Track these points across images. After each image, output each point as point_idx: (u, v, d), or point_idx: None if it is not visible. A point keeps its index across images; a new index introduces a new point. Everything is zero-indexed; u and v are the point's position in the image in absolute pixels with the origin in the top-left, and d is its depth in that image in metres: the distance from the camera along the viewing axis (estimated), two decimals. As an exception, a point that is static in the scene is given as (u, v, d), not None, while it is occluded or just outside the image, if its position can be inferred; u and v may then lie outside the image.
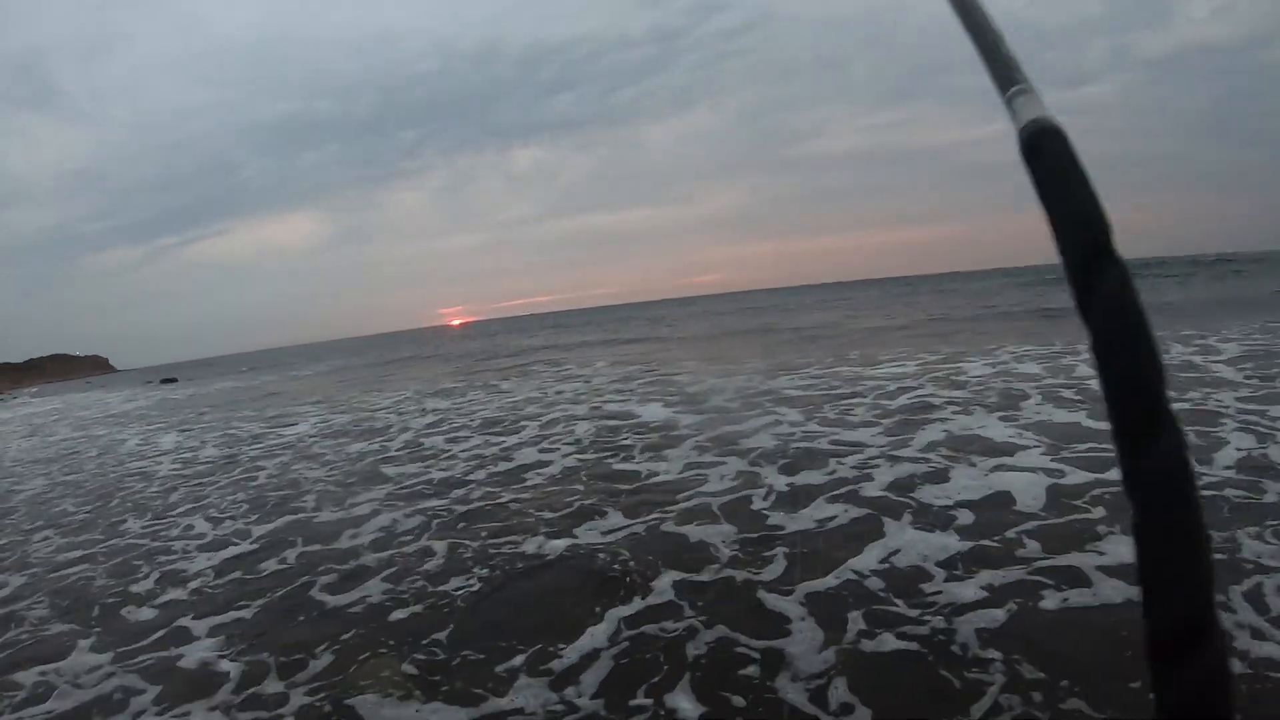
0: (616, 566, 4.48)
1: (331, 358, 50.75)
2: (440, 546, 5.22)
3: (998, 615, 3.39)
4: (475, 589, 4.40)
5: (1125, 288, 0.43)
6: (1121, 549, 3.82)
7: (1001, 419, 7.03)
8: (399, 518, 6.07)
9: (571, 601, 4.07)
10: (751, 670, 3.18)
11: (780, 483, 5.76)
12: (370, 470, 8.29)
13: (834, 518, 4.87)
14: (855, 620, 3.50)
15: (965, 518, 4.60)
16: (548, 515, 5.68)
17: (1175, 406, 0.39)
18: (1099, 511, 4.40)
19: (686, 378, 13.48)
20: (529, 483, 6.74)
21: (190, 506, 7.65)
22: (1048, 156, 0.48)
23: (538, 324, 71.26)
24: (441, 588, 4.46)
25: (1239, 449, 5.34)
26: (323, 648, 3.85)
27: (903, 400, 8.66)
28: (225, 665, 3.82)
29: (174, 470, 10.14)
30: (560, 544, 4.97)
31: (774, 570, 4.16)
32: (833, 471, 5.89)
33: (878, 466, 5.86)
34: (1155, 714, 0.36)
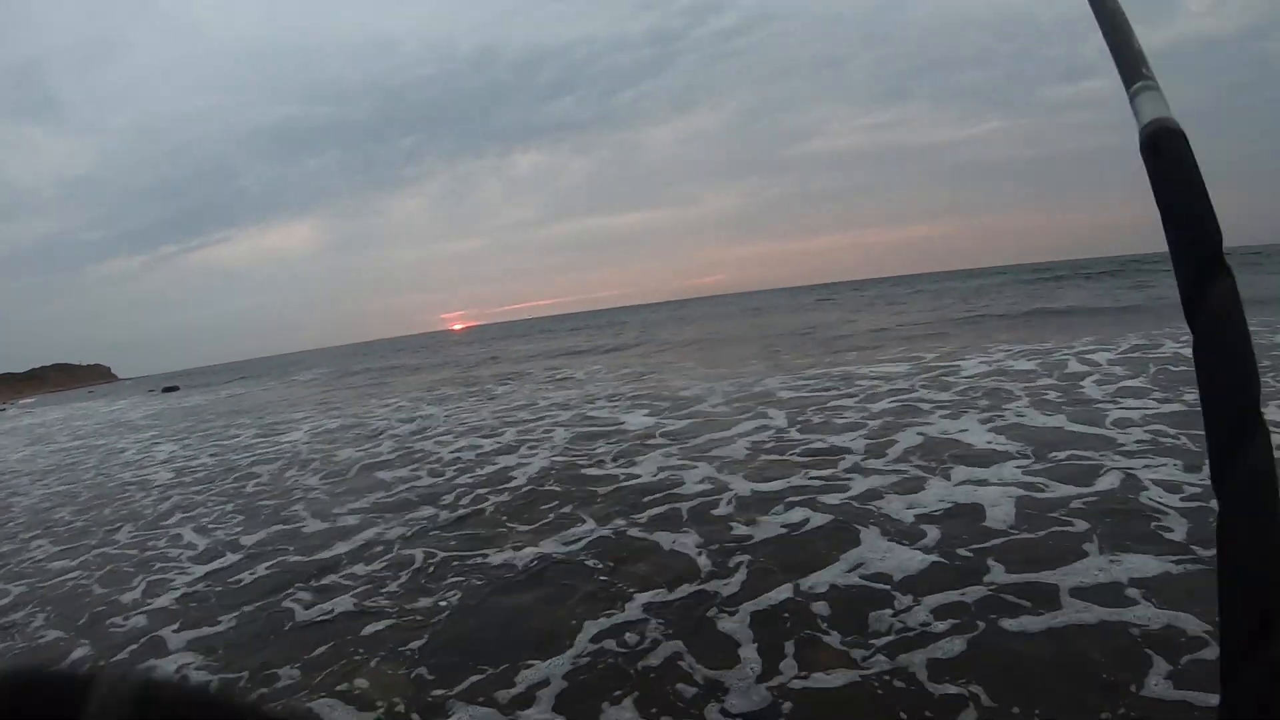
0: (577, 580, 4.51)
1: (332, 364, 50.90)
2: (418, 557, 5.25)
3: (956, 643, 3.23)
4: (446, 602, 4.42)
5: (1232, 298, 0.44)
6: (1093, 568, 3.72)
7: (984, 423, 7.02)
8: (381, 530, 6.09)
9: (532, 616, 4.08)
10: (691, 702, 3.07)
11: (746, 490, 5.79)
12: (358, 478, 8.35)
13: (796, 531, 4.80)
14: (802, 645, 3.38)
15: (931, 533, 4.47)
16: (520, 527, 5.71)
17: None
18: (1072, 527, 4.29)
19: (681, 381, 13.54)
20: (508, 490, 6.77)
21: (182, 516, 7.72)
22: (1167, 158, 0.48)
23: (539, 328, 71.31)
24: (412, 605, 4.45)
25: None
26: (291, 661, 3.89)
27: (889, 404, 8.67)
28: (195, 676, 3.87)
29: (169, 479, 10.20)
30: (529, 554, 5.02)
31: (730, 587, 4.08)
32: (805, 480, 5.88)
33: (851, 477, 5.82)
34: (1220, 709, 0.37)
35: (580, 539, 5.19)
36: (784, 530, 4.82)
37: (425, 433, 11.15)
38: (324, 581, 5.03)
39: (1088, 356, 10.48)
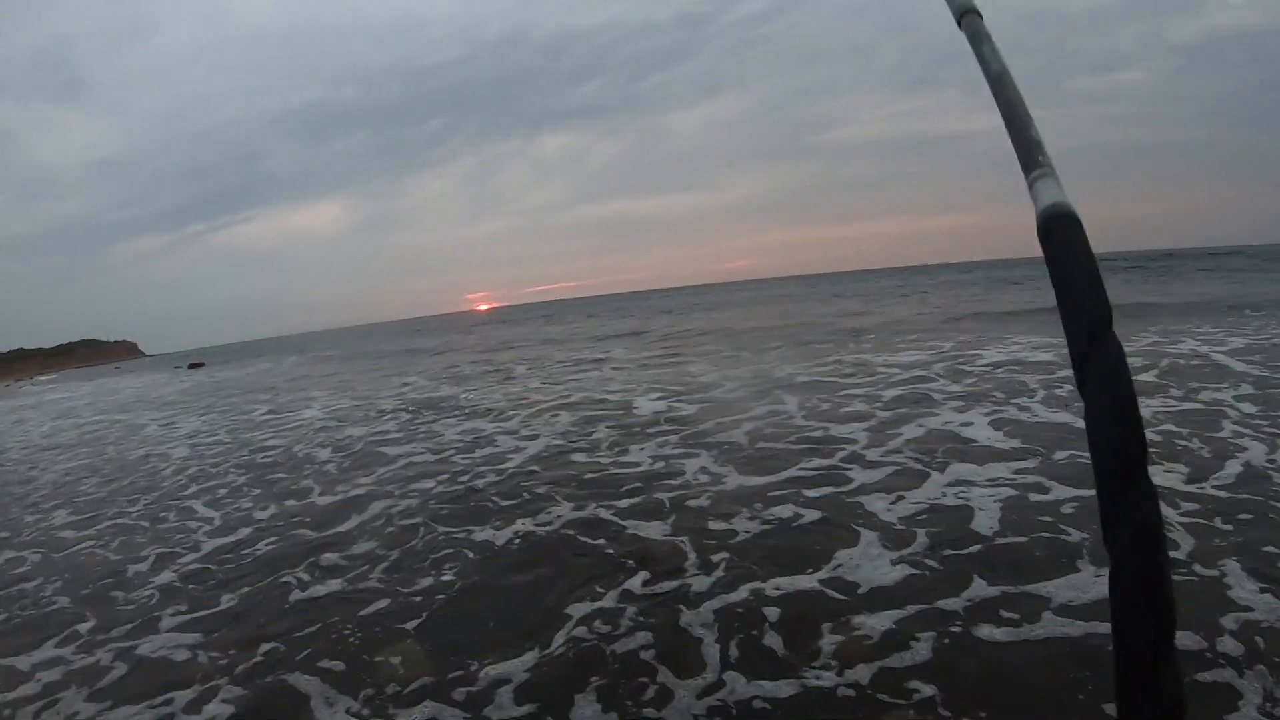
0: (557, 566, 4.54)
1: (355, 343, 51.46)
2: (408, 536, 5.34)
3: (919, 654, 3.11)
4: (448, 582, 4.48)
5: (1118, 366, 0.48)
6: (1082, 580, 3.55)
7: (991, 417, 6.91)
8: (385, 507, 6.19)
9: (506, 602, 4.13)
10: (638, 706, 3.01)
11: (737, 482, 5.76)
12: (364, 455, 8.49)
13: (777, 528, 4.70)
14: (757, 651, 3.28)
15: (915, 537, 4.32)
16: (508, 504, 5.84)
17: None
18: (1065, 536, 4.08)
19: (698, 366, 13.54)
20: (508, 471, 6.84)
21: (196, 489, 7.94)
22: (1060, 241, 0.53)
23: (563, 310, 71.39)
24: (406, 589, 4.52)
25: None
26: (275, 639, 3.98)
27: (900, 393, 8.61)
28: (183, 653, 3.97)
29: (186, 454, 10.46)
30: (512, 530, 5.07)
31: (699, 584, 4.01)
32: (799, 472, 5.83)
33: (848, 469, 5.76)
34: None
35: (555, 523, 5.27)
36: (765, 528, 4.73)
37: (437, 411, 11.27)
38: (321, 560, 5.12)
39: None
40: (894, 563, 3.99)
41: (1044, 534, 4.14)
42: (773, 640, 3.35)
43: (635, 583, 4.12)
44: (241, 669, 3.68)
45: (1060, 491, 4.74)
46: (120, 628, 4.38)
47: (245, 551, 5.53)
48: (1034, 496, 4.74)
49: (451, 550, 4.98)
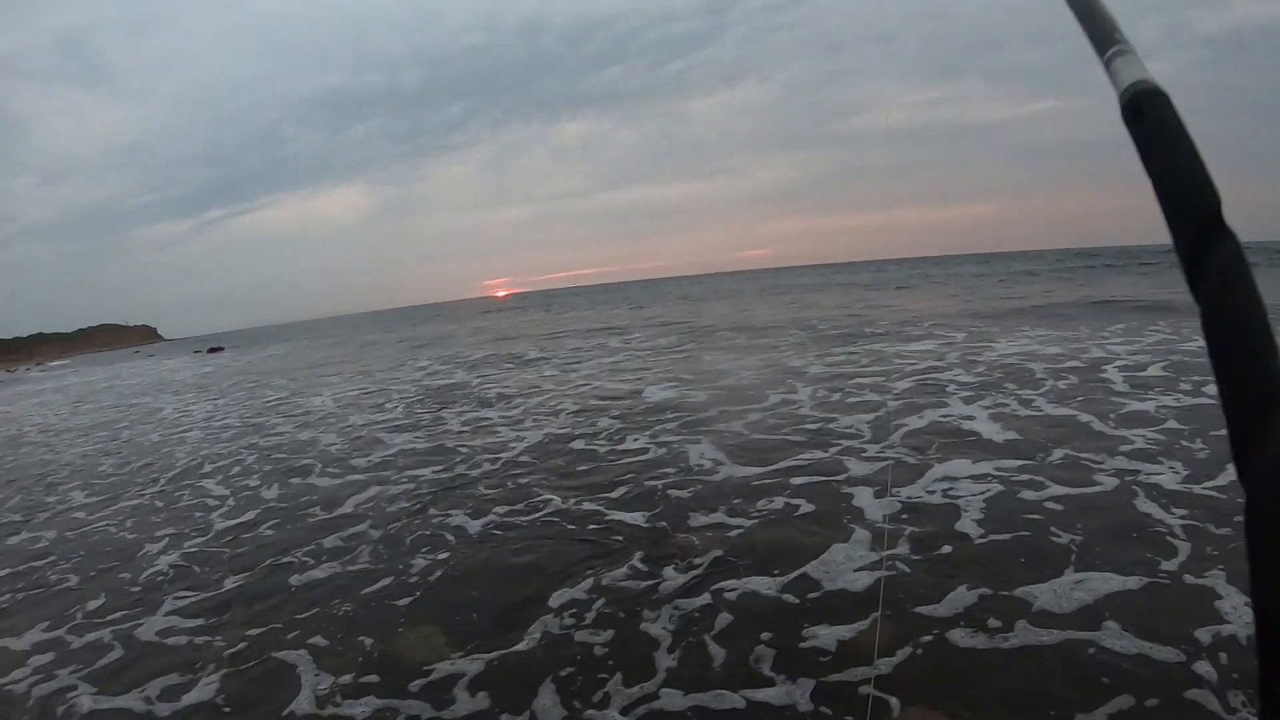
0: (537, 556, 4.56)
1: (373, 328, 51.84)
2: (399, 524, 5.39)
3: (886, 662, 2.99)
4: (434, 566, 4.53)
5: (1238, 263, 0.40)
6: (1065, 584, 3.43)
7: (996, 412, 6.82)
8: (383, 492, 6.29)
9: (478, 593, 4.15)
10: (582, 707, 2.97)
11: (734, 473, 5.76)
12: (370, 442, 8.59)
13: (764, 523, 4.66)
14: (710, 663, 3.16)
15: (899, 535, 4.21)
16: (498, 492, 5.90)
17: None
18: (1055, 537, 4.00)
19: (713, 355, 13.55)
20: (505, 460, 6.88)
21: (209, 470, 8.15)
22: (1151, 121, 0.46)
23: (582, 297, 71.43)
24: (396, 575, 4.59)
25: None
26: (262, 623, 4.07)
27: (908, 384, 8.57)
28: (180, 638, 4.07)
29: (200, 438, 10.66)
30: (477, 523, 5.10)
31: (671, 581, 3.96)
32: (798, 463, 5.81)
33: (845, 461, 5.72)
34: (1260, 707, 0.35)
35: (540, 511, 5.30)
36: (752, 523, 4.70)
37: (446, 398, 11.37)
38: (321, 544, 5.21)
39: (1114, 346, 10.11)
40: (867, 566, 3.89)
41: (1028, 534, 4.07)
42: (723, 647, 3.26)
43: (610, 576, 4.10)
44: (232, 650, 3.78)
45: (1053, 490, 4.67)
46: (123, 610, 4.50)
47: (246, 535, 5.65)
48: (1025, 495, 4.66)
49: (440, 537, 5.04)
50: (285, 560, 4.97)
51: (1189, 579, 3.39)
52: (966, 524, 4.28)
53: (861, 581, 3.72)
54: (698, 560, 4.18)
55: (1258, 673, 0.34)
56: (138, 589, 4.81)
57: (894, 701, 2.73)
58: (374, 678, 3.35)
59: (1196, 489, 4.45)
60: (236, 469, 8.03)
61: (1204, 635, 2.91)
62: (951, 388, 8.14)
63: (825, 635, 3.25)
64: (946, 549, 4.00)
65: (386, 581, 4.39)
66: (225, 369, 26.66)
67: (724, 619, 3.51)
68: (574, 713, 2.93)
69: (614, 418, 8.33)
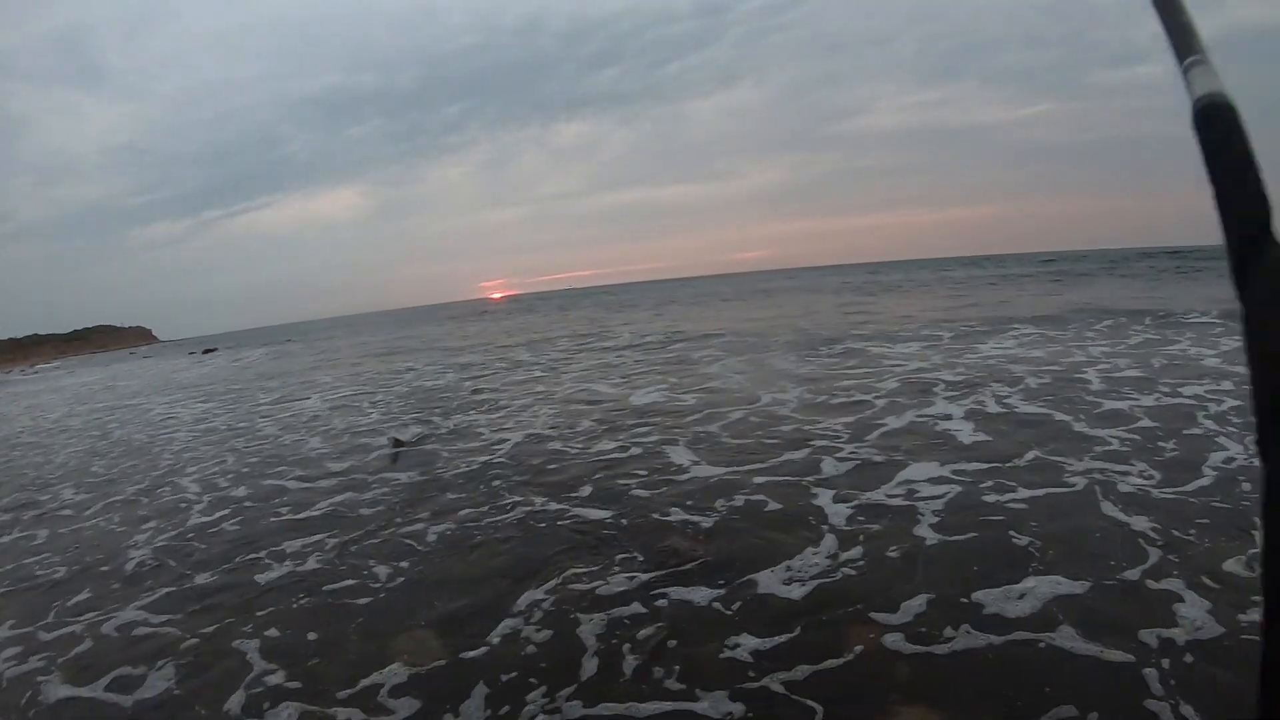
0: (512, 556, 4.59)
1: (369, 329, 51.81)
2: (364, 522, 5.42)
3: (817, 664, 2.99)
4: (391, 571, 4.56)
5: None
6: (1019, 590, 3.41)
7: (972, 412, 6.87)
8: (352, 498, 6.31)
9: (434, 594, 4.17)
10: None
11: (705, 474, 5.79)
12: (351, 443, 8.64)
13: (726, 523, 4.69)
14: (645, 671, 3.11)
15: (857, 538, 4.20)
16: (462, 496, 5.94)
17: None
18: (1014, 539, 3.99)
19: (702, 354, 13.70)
20: (484, 461, 6.90)
21: (190, 471, 8.18)
22: (1219, 132, 0.48)
23: (578, 298, 71.43)
24: (354, 578, 4.64)
25: None
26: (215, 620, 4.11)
27: (893, 384, 8.66)
28: (146, 628, 4.15)
29: (188, 439, 10.69)
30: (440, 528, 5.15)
31: (616, 583, 3.97)
32: (771, 463, 5.85)
33: (819, 461, 5.76)
34: (1260, 701, 0.35)
35: (507, 514, 5.29)
36: (713, 521, 4.74)
37: (432, 400, 11.43)
38: (284, 546, 5.25)
39: (1098, 349, 10.15)
40: (829, 568, 3.87)
41: (993, 538, 4.05)
42: (660, 654, 3.23)
43: (559, 580, 4.10)
44: (187, 644, 3.89)
45: (1021, 494, 4.67)
46: (99, 604, 4.60)
47: (215, 532, 5.72)
48: (989, 498, 4.66)
49: (403, 542, 5.04)
50: (251, 558, 5.04)
51: (1152, 583, 3.39)
52: (927, 526, 4.29)
53: (797, 592, 3.67)
54: (650, 561, 4.20)
55: (1260, 654, 0.35)
56: (117, 585, 4.89)
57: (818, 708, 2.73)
58: (297, 684, 3.35)
59: (1165, 494, 4.44)
60: (216, 469, 8.08)
61: (1149, 638, 2.92)
62: (933, 389, 8.17)
63: (749, 643, 3.22)
64: (903, 548, 4.02)
65: (350, 583, 4.42)
66: (218, 371, 26.63)
67: (657, 626, 3.47)
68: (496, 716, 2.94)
69: (596, 421, 8.34)
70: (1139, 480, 4.72)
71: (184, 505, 6.68)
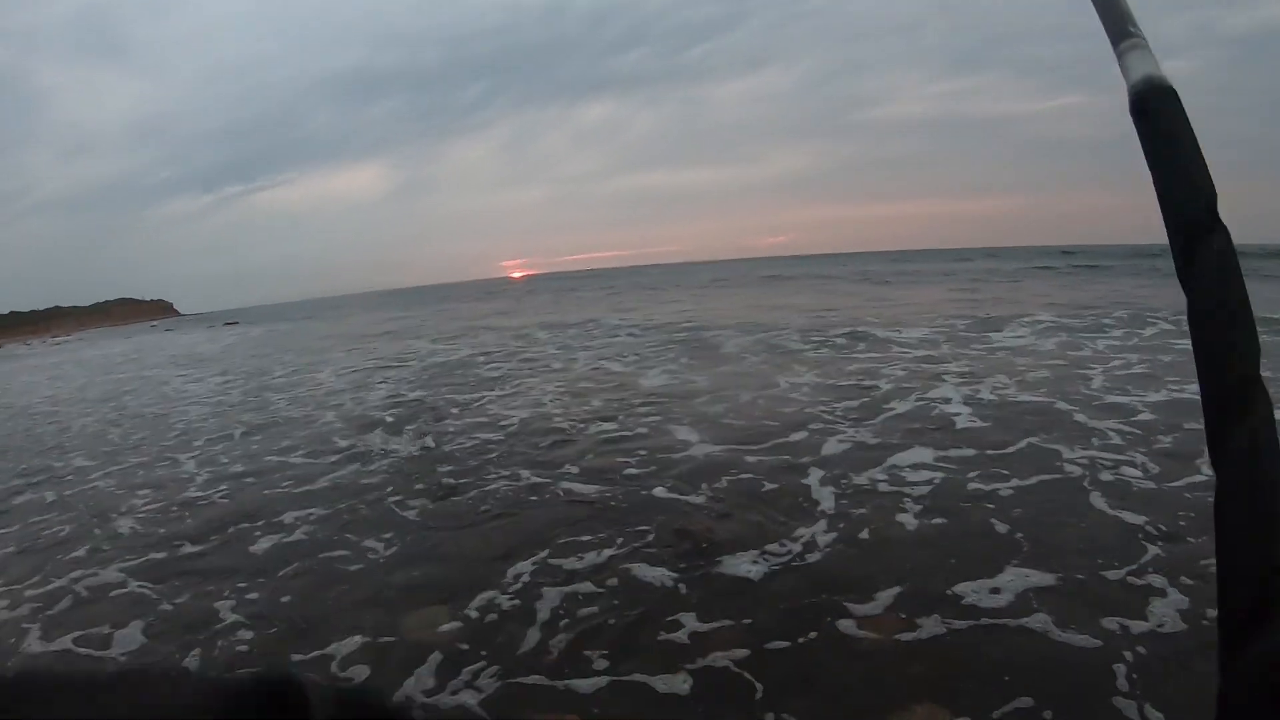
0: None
1: (389, 306, 52.13)
2: (357, 501, 5.49)
3: (782, 661, 2.95)
4: (384, 544, 4.63)
5: (1227, 258, 0.42)
6: (995, 582, 3.38)
7: (974, 399, 6.87)
8: (355, 470, 6.41)
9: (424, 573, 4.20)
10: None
11: (703, 452, 5.83)
12: (360, 417, 8.75)
13: (713, 504, 4.70)
14: (570, 650, 3.13)
15: (838, 524, 4.19)
16: (450, 470, 6.01)
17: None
18: (996, 529, 3.96)
19: (717, 337, 13.70)
20: (486, 438, 6.97)
21: (197, 444, 8.29)
22: (1157, 117, 0.47)
23: (598, 279, 71.33)
24: (347, 550, 4.71)
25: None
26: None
27: (899, 370, 8.66)
28: (131, 589, 4.29)
29: (202, 411, 10.87)
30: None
31: (590, 558, 4.03)
32: (770, 443, 5.89)
33: (819, 444, 5.78)
34: (1220, 687, 0.34)
35: (508, 491, 5.35)
36: (700, 501, 4.78)
37: (444, 377, 11.52)
38: (281, 518, 5.33)
39: (1110, 342, 10.05)
40: (796, 558, 3.85)
41: (975, 527, 4.03)
42: (617, 632, 3.26)
43: (546, 554, 4.15)
44: (169, 604, 4.01)
45: (1011, 483, 4.64)
46: (87, 563, 4.77)
47: (211, 503, 5.85)
48: (981, 487, 4.63)
49: (398, 516, 5.10)
50: (245, 527, 5.14)
51: (1132, 579, 3.36)
52: (911, 514, 4.27)
53: (763, 574, 3.68)
54: (635, 539, 4.24)
55: (1217, 653, 0.35)
56: (107, 546, 5.03)
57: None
58: (257, 650, 3.42)
59: (1157, 487, 4.42)
60: (220, 444, 8.19)
61: (1112, 625, 2.93)
62: (941, 376, 8.16)
63: (712, 624, 3.24)
64: (884, 535, 4.03)
65: (339, 553, 4.50)
66: (237, 344, 26.94)
67: (615, 603, 3.51)
68: (438, 691, 2.96)
69: (605, 400, 8.39)
70: (1130, 473, 4.69)
71: (185, 477, 6.79)
